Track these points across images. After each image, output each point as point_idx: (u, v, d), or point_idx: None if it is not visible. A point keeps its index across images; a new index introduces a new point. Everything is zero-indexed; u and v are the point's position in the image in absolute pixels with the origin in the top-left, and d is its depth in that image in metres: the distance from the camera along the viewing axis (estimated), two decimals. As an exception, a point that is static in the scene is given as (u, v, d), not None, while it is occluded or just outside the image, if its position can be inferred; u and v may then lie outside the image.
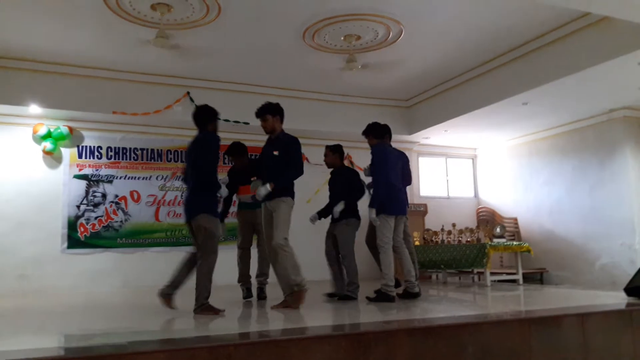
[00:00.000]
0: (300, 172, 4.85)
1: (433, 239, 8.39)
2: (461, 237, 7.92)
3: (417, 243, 8.46)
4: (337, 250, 5.63)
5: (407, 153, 10.10)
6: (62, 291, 7.31)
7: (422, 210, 9.35)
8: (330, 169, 6.00)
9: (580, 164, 8.86)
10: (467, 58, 7.51)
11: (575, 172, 8.95)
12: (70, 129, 7.90)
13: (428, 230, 8.79)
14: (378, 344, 3.03)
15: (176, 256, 7.63)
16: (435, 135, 9.80)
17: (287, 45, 6.87)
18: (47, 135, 7.71)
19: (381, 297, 5.10)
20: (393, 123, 9.23)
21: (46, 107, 7.35)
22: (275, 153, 4.83)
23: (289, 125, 8.51)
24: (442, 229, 8.37)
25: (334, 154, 5.90)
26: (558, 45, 6.68)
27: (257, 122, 8.18)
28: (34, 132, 7.72)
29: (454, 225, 8.20)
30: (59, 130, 7.76)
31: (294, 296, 4.55)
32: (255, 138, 8.95)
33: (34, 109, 7.36)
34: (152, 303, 5.58)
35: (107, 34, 6.40)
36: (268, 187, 4.65)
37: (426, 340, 3.16)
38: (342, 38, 6.59)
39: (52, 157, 7.86)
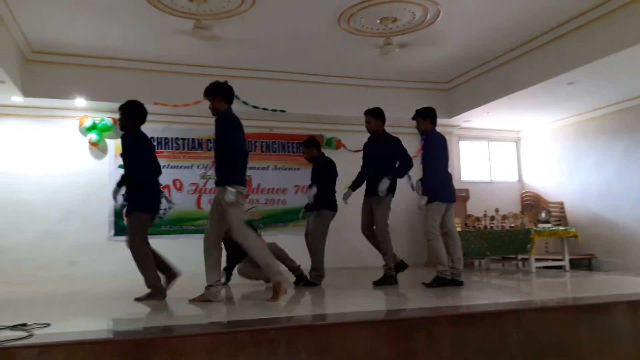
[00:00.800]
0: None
1: (475, 225, 8.23)
2: (504, 223, 7.73)
3: (458, 229, 8.33)
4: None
5: (447, 137, 9.98)
6: (109, 277, 7.57)
7: (463, 196, 9.17)
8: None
9: (634, 144, 8.48)
10: (509, 37, 7.27)
11: (627, 153, 8.57)
12: (115, 121, 8.11)
13: (470, 216, 8.61)
14: (419, 330, 3.00)
15: (218, 243, 7.89)
16: (476, 118, 9.56)
17: (322, 31, 6.82)
18: (93, 127, 7.96)
19: (438, 281, 5.06)
20: (432, 106, 9.10)
21: (91, 99, 7.58)
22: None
23: (327, 112, 8.61)
24: (485, 215, 8.19)
25: (377, 119, 5.56)
26: (605, 21, 6.37)
27: (295, 110, 8.34)
28: (80, 124, 7.98)
29: (497, 210, 8.01)
30: (103, 122, 8.00)
31: None
32: (292, 125, 9.01)
33: (80, 101, 7.60)
34: (195, 288, 5.71)
35: (146, 26, 6.52)
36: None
37: (468, 327, 3.11)
38: (377, 21, 6.49)
39: (98, 148, 8.12)
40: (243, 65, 7.94)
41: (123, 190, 4.76)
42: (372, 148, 5.57)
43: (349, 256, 8.76)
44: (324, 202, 5.63)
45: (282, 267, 4.68)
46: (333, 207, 5.68)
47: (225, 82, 4.54)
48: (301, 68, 8.10)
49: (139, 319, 3.70)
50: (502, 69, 8.13)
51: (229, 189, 4.10)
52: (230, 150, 4.24)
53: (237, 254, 5.74)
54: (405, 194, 9.41)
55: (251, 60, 7.76)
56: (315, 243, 5.59)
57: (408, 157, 5.49)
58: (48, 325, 3.00)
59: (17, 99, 7.28)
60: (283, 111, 8.20)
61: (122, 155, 4.80)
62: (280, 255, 5.56)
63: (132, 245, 4.63)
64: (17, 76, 6.84)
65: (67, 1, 5.84)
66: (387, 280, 5.34)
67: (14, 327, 2.88)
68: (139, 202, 4.68)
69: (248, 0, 5.87)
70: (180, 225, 8.40)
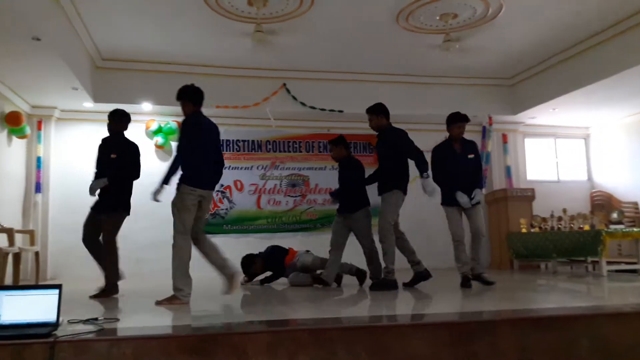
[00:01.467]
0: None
1: (542, 225, 7.90)
2: (573, 224, 7.37)
3: (524, 230, 8.03)
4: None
5: (511, 134, 9.71)
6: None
7: (529, 195, 8.82)
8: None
9: None
10: (576, 29, 6.94)
11: None
12: (179, 124, 8.39)
13: (536, 216, 8.28)
14: (481, 334, 2.91)
15: (277, 242, 7.97)
16: (542, 115, 9.19)
17: (380, 30, 6.78)
18: (158, 130, 8.28)
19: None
20: (495, 103, 8.87)
21: (157, 104, 7.89)
22: None
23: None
24: (552, 215, 7.85)
25: (377, 115, 5.47)
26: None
27: (352, 110, 8.31)
28: (147, 128, 8.33)
29: (564, 210, 7.66)
30: (168, 125, 8.31)
31: None
32: (350, 126, 8.99)
33: (146, 106, 7.93)
34: (254, 286, 5.82)
35: (207, 32, 6.71)
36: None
37: (534, 331, 2.98)
38: (437, 17, 6.37)
39: (163, 151, 8.44)
40: (301, 67, 8.02)
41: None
42: (379, 145, 5.45)
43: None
44: (357, 204, 5.52)
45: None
46: (367, 204, 5.58)
47: (192, 85, 4.52)
48: (359, 67, 8.08)
49: (200, 316, 3.80)
50: (570, 62, 7.76)
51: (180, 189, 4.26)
52: (182, 152, 4.33)
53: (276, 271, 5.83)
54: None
55: (309, 61, 7.82)
56: (371, 243, 5.46)
57: (414, 150, 5.18)
58: (117, 320, 3.14)
59: (88, 104, 7.69)
60: (340, 111, 8.21)
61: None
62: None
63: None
64: (89, 83, 7.23)
65: (134, 11, 6.12)
66: (385, 285, 5.02)
67: (86, 321, 3.04)
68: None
69: (306, 2, 5.92)
70: (241, 224, 8.59)
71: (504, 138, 9.64)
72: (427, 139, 9.31)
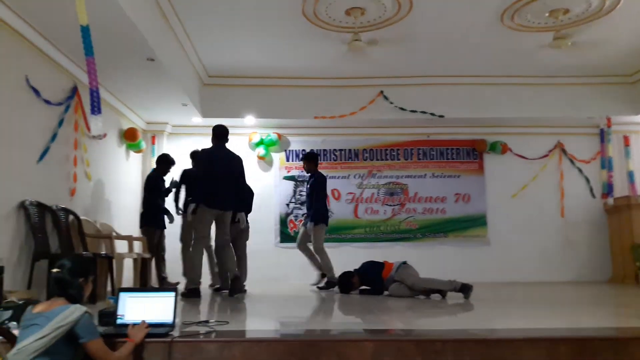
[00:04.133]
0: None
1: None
2: None
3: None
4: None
5: (634, 136, 8.88)
6: (276, 281, 8.04)
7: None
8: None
9: None
10: None
11: None
12: (279, 136, 8.68)
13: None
14: (606, 352, 2.65)
15: (374, 251, 7.93)
16: (669, 114, 8.32)
17: (483, 31, 6.52)
18: (260, 142, 8.60)
19: (330, 285, 6.43)
20: (614, 103, 8.17)
21: (259, 117, 8.19)
22: None
23: (489, 114, 8.20)
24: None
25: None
26: None
27: (454, 115, 8.08)
28: (249, 140, 8.67)
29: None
30: (269, 137, 8.59)
31: None
32: (451, 131, 8.75)
33: (249, 119, 8.26)
34: (354, 295, 5.80)
35: (305, 44, 6.84)
36: None
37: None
38: (546, 14, 5.99)
39: (265, 162, 8.74)
40: (398, 73, 7.90)
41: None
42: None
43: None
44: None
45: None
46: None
47: (218, 125, 5.82)
48: (460, 70, 7.81)
49: (304, 321, 3.85)
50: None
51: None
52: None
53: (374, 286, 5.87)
54: (585, 204, 8.58)
55: (407, 66, 7.70)
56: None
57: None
58: (227, 323, 3.26)
59: (197, 119, 8.16)
60: (441, 116, 7.99)
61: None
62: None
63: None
64: (197, 99, 7.67)
65: (237, 30, 6.41)
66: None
67: (198, 323, 3.18)
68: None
69: (405, 7, 5.85)
70: (338, 233, 8.62)
71: (626, 140, 8.84)
72: (536, 144, 8.85)
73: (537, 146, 8.82)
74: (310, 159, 6.90)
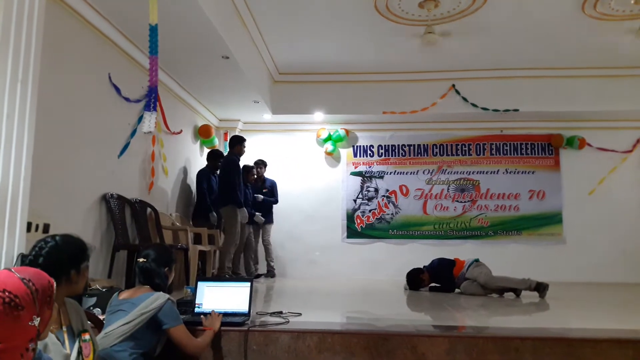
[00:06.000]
0: None
1: None
2: None
3: None
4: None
5: None
6: (343, 275, 8.09)
7: None
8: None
9: None
10: None
11: None
12: (347, 131, 8.70)
13: None
14: None
15: (444, 249, 7.79)
16: None
17: (562, 21, 6.21)
18: (328, 138, 8.65)
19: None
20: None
21: (327, 113, 8.24)
22: None
23: (566, 108, 7.81)
24: None
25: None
26: None
27: (529, 108, 7.77)
28: (318, 136, 8.75)
29: None
30: (337, 133, 8.63)
31: None
32: (526, 125, 8.42)
33: (318, 116, 8.33)
34: (424, 292, 5.73)
35: (376, 38, 6.80)
36: None
37: None
38: (632, 1, 5.64)
39: (332, 157, 8.78)
40: (471, 66, 7.68)
41: None
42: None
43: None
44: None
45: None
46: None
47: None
48: (536, 62, 7.48)
49: (376, 316, 3.85)
50: None
51: None
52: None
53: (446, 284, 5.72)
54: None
55: (480, 59, 7.47)
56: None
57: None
58: (300, 314, 3.32)
59: (267, 116, 8.33)
60: (516, 110, 7.70)
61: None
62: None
63: None
64: (268, 97, 7.84)
65: (308, 27, 6.48)
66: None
67: (272, 314, 3.27)
68: None
69: (479, -1, 5.69)
70: (407, 230, 8.53)
71: None
72: (618, 138, 8.35)
73: (617, 141, 8.31)
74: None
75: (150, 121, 4.37)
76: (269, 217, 7.89)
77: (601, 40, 6.71)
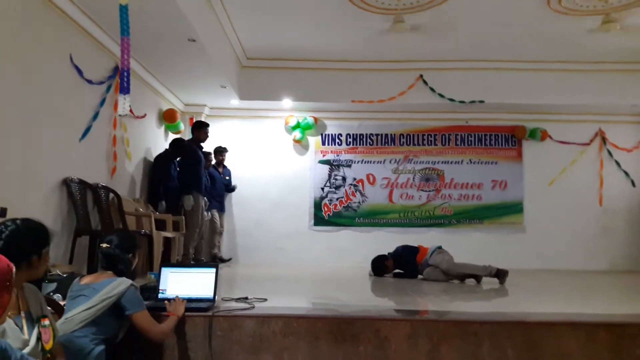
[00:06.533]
0: None
1: None
2: None
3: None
4: None
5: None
6: (310, 263, 8.13)
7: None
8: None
9: None
10: None
11: None
12: (315, 119, 8.69)
13: None
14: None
15: (409, 237, 7.90)
16: None
17: (528, 14, 6.32)
18: (297, 126, 8.63)
19: None
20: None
21: (296, 100, 8.19)
22: None
23: (530, 100, 8.01)
24: None
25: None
26: None
27: (494, 99, 7.90)
28: (286, 124, 8.71)
29: None
30: (306, 121, 8.61)
31: None
32: (491, 117, 8.58)
33: (286, 102, 8.28)
34: (388, 278, 5.83)
35: (346, 26, 6.77)
36: None
37: None
38: (595, -4, 5.79)
39: (301, 145, 8.77)
40: (439, 57, 7.73)
41: None
42: None
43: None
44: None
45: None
46: None
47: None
48: (502, 55, 7.59)
49: (340, 300, 3.90)
50: None
51: None
52: None
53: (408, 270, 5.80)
54: (624, 193, 8.35)
55: (448, 51, 7.54)
56: None
57: None
58: (265, 300, 3.33)
59: (235, 102, 8.24)
60: (481, 102, 7.84)
61: None
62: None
63: None
64: (235, 82, 7.74)
65: (277, 12, 6.39)
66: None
67: (238, 300, 3.26)
68: None
69: (450, -11, 5.73)
70: (373, 218, 8.62)
71: (670, 130, 8.53)
72: (576, 131, 8.62)
73: (578, 134, 8.59)
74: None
75: (124, 104, 4.29)
76: (222, 206, 8.02)
77: (565, 34, 6.88)
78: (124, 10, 4.36)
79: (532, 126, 8.56)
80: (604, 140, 8.55)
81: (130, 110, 6.37)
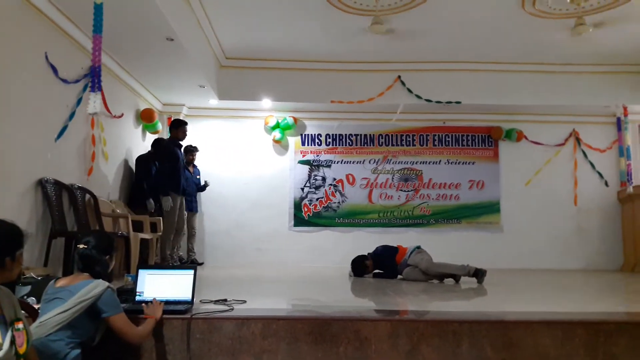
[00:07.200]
0: None
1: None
2: None
3: None
4: None
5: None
6: (290, 264, 8.12)
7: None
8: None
9: None
10: None
11: None
12: (295, 119, 8.69)
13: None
14: (622, 335, 2.67)
15: (388, 237, 7.95)
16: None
17: (503, 17, 6.43)
18: (276, 126, 8.61)
19: None
20: (630, 91, 8.04)
21: (275, 100, 8.17)
22: None
23: (506, 101, 8.13)
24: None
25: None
26: None
27: (471, 101, 8.00)
28: (265, 124, 8.69)
29: None
30: (285, 121, 8.60)
31: None
32: (468, 117, 8.69)
33: (266, 102, 8.25)
34: (368, 279, 5.84)
35: (326, 26, 6.78)
36: None
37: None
38: (568, 0, 5.90)
39: (280, 145, 8.75)
40: (416, 58, 7.80)
41: None
42: None
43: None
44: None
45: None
46: None
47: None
48: (478, 56, 7.70)
49: (321, 301, 3.89)
50: None
51: None
52: None
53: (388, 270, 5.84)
54: (598, 193, 8.53)
55: (426, 52, 7.60)
56: None
57: None
58: (244, 302, 3.30)
59: (214, 101, 8.18)
60: (458, 102, 7.93)
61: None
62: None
63: None
64: (214, 81, 7.68)
65: (256, 11, 6.37)
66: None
67: (217, 302, 3.23)
68: None
69: (425, -9, 5.78)
70: (352, 218, 8.65)
71: (642, 130, 8.75)
72: (551, 132, 8.78)
73: (553, 134, 8.77)
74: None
75: (95, 102, 4.21)
76: (194, 206, 8.00)
77: (539, 37, 7.00)
78: (98, 8, 4.30)
79: (508, 127, 8.70)
80: (578, 140, 8.72)
81: (107, 110, 6.34)
